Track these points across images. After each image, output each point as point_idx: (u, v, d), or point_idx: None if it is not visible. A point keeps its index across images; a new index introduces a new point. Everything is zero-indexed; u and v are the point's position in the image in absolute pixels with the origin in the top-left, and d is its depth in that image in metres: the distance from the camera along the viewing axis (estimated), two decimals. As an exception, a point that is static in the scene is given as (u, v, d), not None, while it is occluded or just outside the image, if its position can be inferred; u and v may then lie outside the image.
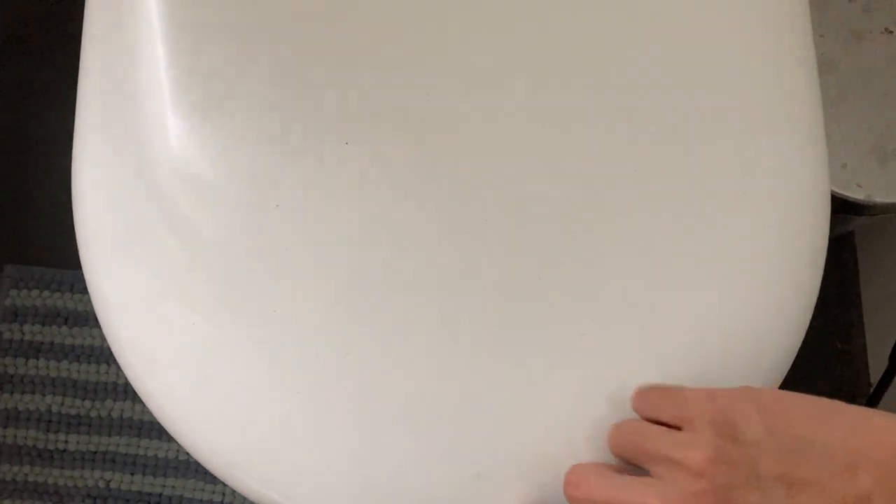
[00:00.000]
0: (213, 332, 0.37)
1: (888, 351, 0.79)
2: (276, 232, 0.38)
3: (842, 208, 0.69)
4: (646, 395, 0.34)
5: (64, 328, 0.92)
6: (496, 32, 0.41)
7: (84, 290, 0.92)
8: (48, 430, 0.90)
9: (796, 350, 0.39)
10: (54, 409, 0.91)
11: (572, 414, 0.36)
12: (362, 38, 0.40)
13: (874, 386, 0.83)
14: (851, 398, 0.95)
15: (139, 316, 0.38)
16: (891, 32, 0.69)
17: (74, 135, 0.40)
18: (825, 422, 0.30)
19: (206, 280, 0.37)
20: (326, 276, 0.37)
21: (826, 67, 0.69)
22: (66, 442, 0.90)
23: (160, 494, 0.89)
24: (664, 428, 0.32)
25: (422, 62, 0.40)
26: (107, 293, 0.38)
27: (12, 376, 0.91)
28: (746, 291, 0.38)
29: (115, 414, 0.91)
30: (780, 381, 0.39)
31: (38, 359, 0.92)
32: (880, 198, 0.67)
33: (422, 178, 0.39)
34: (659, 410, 0.33)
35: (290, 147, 0.39)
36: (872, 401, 0.83)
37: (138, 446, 0.90)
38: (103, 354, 0.92)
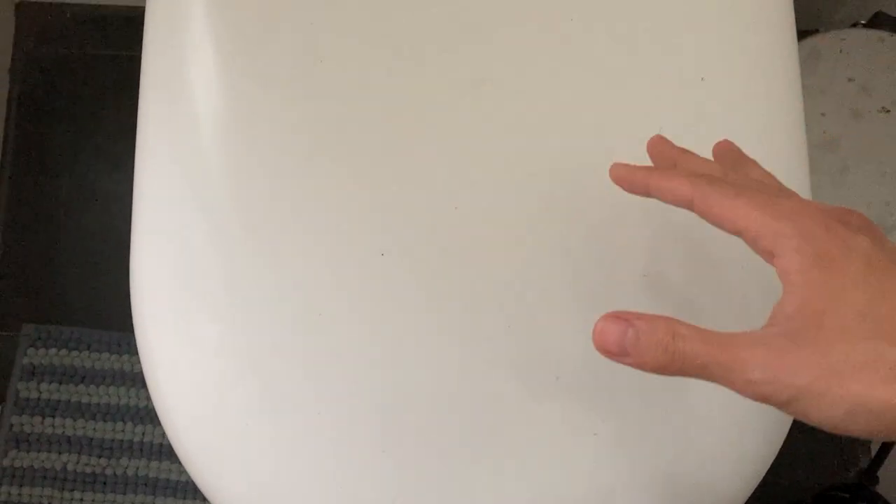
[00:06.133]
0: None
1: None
2: (321, 343, 0.41)
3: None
4: None
5: (80, 386, 0.94)
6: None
7: (100, 349, 0.94)
8: (63, 489, 0.91)
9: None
10: (70, 467, 0.92)
11: None
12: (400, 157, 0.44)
13: (875, 451, 0.85)
14: (854, 458, 0.96)
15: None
16: (888, 111, 0.73)
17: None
18: None
19: (256, 386, 0.40)
20: (364, 384, 0.41)
21: (829, 145, 0.72)
22: (82, 500, 0.91)
23: (175, 553, 0.90)
24: None
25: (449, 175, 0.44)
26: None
27: (29, 435, 0.92)
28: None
29: (130, 472, 0.92)
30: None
31: (54, 417, 0.93)
32: (882, 271, 0.69)
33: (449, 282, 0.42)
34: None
35: (335, 262, 0.42)
36: (872, 468, 0.84)
37: (153, 504, 0.91)
38: (119, 412, 0.93)
